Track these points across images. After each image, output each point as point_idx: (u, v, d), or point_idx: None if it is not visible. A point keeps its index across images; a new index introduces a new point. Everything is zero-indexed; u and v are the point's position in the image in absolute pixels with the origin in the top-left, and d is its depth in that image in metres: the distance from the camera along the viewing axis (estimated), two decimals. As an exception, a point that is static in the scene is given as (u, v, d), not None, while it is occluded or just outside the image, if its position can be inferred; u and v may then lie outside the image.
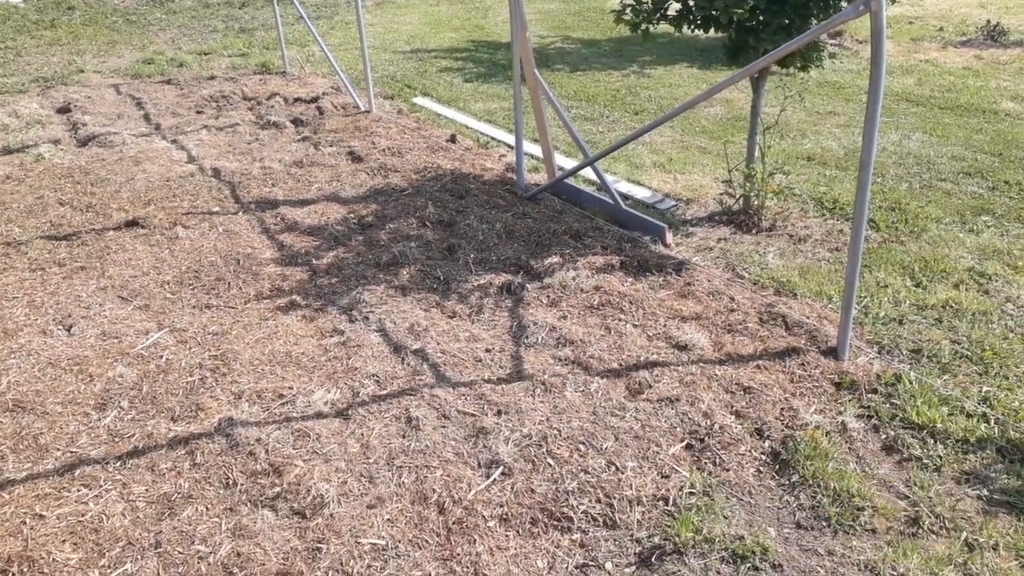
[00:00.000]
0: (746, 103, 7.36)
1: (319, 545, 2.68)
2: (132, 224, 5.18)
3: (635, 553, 2.66)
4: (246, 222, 5.23)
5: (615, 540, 2.70)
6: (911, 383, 3.40)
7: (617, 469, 2.97)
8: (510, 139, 6.79)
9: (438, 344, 3.79)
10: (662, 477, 2.95)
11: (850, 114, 7.36)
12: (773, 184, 4.97)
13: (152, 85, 8.81)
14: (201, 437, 3.20)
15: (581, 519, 2.77)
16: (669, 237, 4.79)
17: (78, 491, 2.94)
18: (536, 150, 6.32)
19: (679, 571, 2.57)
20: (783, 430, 3.17)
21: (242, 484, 2.95)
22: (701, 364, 3.59)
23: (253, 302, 4.24)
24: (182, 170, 6.18)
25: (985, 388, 3.39)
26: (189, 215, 5.34)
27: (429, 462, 3.03)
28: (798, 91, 7.58)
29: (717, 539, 2.67)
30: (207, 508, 2.85)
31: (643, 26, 4.76)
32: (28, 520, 2.81)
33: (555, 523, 2.76)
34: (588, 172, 5.73)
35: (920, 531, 2.70)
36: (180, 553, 2.67)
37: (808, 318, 3.90)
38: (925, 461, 3.00)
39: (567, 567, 2.61)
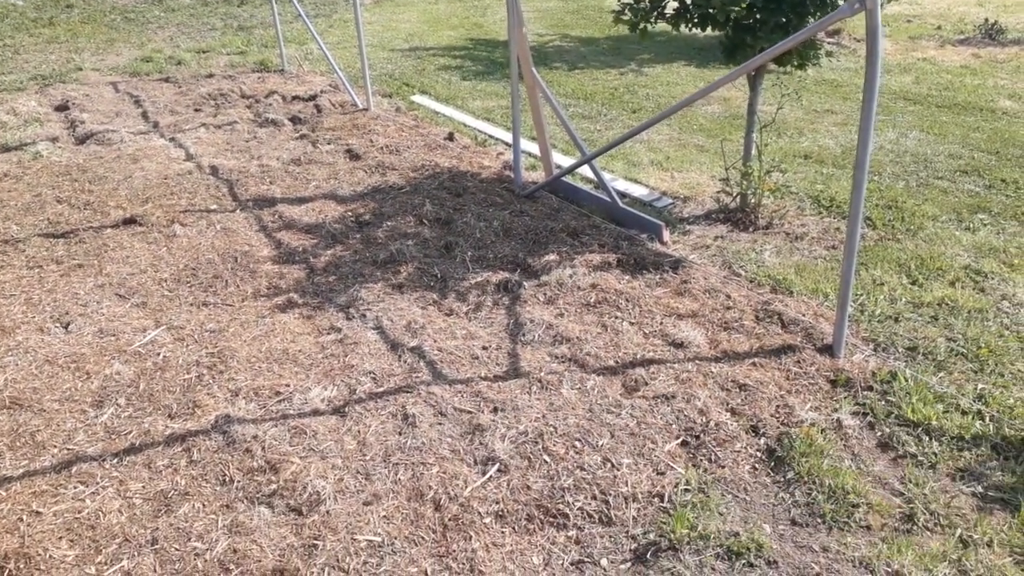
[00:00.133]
0: (744, 101, 7.37)
1: (315, 542, 2.68)
2: (130, 222, 5.18)
3: (630, 550, 2.66)
4: (244, 220, 5.23)
5: (611, 537, 2.71)
6: (906, 380, 3.41)
7: (613, 466, 2.98)
8: (508, 137, 6.79)
9: (435, 341, 3.79)
10: (658, 474, 2.96)
11: (847, 112, 7.36)
12: (770, 182, 4.98)
13: (150, 83, 8.81)
14: (198, 434, 3.21)
15: (577, 516, 2.78)
16: (666, 235, 4.80)
17: (75, 488, 2.95)
18: (534, 148, 6.32)
19: (674, 567, 2.58)
20: (778, 427, 3.18)
21: (239, 481, 2.95)
22: (697, 361, 3.59)
23: (250, 300, 4.24)
24: (180, 168, 6.18)
25: (980, 385, 3.40)
26: (187, 213, 5.34)
27: (425, 459, 3.04)
28: (795, 89, 7.58)
29: (712, 536, 2.67)
30: (204, 505, 2.86)
31: (641, 25, 4.78)
32: (25, 517, 2.82)
33: (551, 520, 2.77)
34: (586, 170, 5.74)
35: (915, 528, 2.70)
36: (176, 550, 2.67)
37: (804, 316, 3.91)
38: (920, 458, 3.01)
39: (563, 563, 2.62)
